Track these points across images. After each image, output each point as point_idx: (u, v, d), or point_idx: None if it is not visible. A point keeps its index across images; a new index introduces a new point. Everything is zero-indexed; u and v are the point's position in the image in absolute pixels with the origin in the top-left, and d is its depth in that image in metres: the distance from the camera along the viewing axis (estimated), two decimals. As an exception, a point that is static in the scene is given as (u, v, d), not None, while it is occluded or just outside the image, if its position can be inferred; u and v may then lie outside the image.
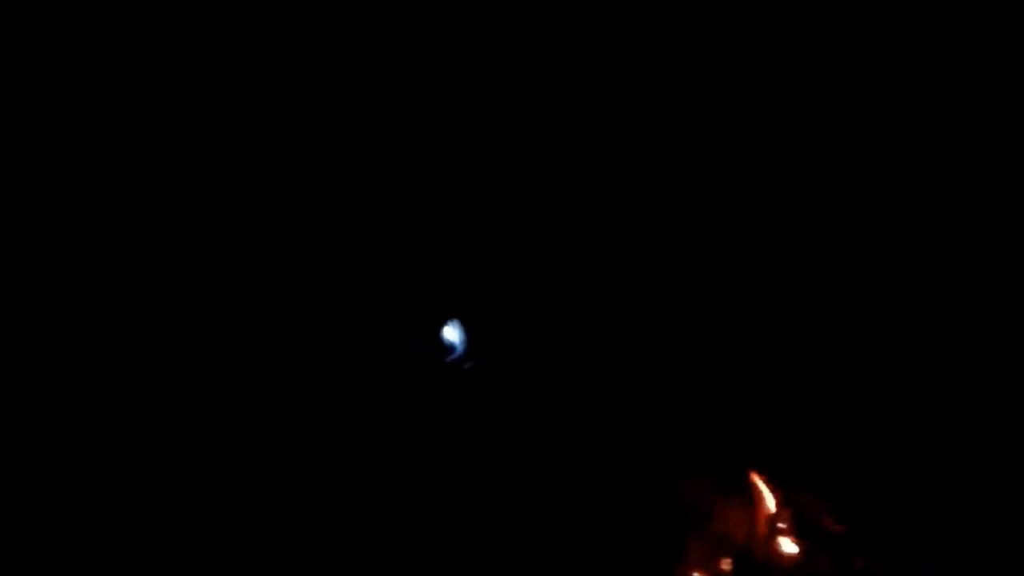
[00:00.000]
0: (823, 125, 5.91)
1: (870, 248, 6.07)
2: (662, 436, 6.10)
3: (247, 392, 6.04)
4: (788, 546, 5.84)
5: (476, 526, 5.89)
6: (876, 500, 5.84)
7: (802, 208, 6.04)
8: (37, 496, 5.73)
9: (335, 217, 6.20)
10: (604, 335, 6.27)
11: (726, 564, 5.83)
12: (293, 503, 5.86)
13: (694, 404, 6.14)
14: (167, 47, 6.08)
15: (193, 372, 6.05)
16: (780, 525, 5.85)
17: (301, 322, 6.17)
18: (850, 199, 5.98)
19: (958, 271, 5.88)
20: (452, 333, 6.17)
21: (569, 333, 6.25)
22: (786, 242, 6.11)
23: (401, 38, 6.03)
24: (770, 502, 5.85)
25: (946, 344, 5.87)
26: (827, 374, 6.02)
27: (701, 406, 6.12)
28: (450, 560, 5.81)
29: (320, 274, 6.20)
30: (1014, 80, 5.61)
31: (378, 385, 6.11)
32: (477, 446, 6.05)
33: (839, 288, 6.05)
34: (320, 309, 6.20)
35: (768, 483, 5.90)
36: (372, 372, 6.13)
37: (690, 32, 5.85)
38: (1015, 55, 5.59)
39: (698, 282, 6.17)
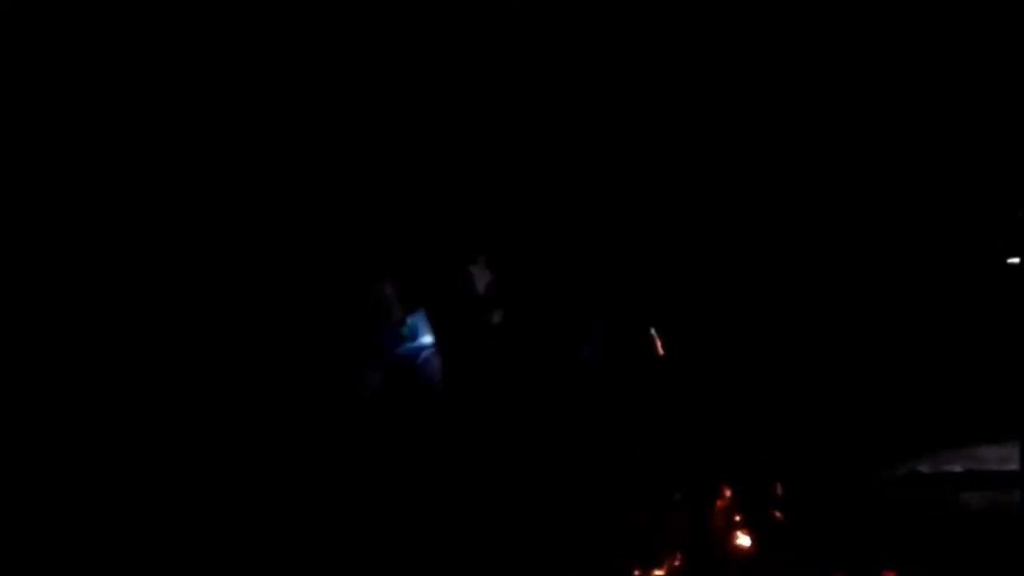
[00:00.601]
0: (823, 125, 6.29)
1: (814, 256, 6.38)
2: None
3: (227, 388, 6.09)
4: (742, 539, 5.78)
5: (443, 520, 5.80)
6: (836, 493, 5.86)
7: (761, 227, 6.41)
8: (37, 496, 5.64)
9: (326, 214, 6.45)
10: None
11: (679, 559, 5.73)
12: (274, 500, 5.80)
13: (655, 401, 6.23)
14: (167, 47, 6.42)
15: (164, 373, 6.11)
16: (735, 518, 5.82)
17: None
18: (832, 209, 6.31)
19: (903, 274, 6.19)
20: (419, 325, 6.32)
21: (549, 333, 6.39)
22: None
23: (401, 38, 6.42)
24: (726, 496, 5.86)
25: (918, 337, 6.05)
26: (791, 372, 6.18)
27: (662, 403, 6.21)
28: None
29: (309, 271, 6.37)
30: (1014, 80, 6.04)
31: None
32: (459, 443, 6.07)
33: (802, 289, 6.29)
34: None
35: (724, 477, 5.92)
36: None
37: (690, 32, 6.29)
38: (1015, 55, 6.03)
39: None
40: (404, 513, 5.77)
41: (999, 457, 5.87)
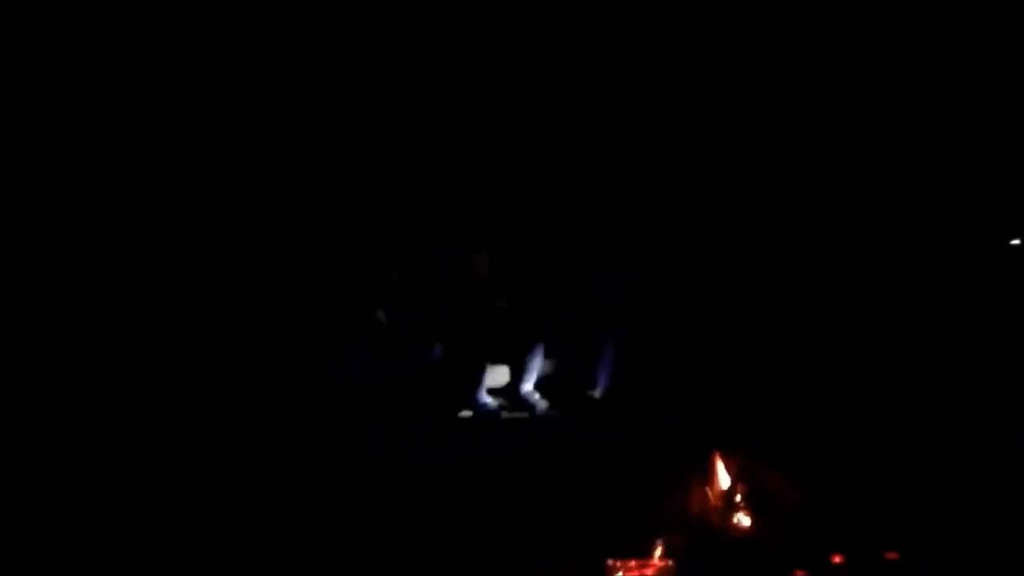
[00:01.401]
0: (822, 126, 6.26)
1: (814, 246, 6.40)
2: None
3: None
4: (743, 520, 5.80)
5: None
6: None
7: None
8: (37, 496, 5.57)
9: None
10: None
11: (680, 540, 5.74)
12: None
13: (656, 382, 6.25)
14: (167, 47, 6.28)
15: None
16: (736, 499, 5.83)
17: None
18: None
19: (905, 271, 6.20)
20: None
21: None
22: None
23: (402, 38, 6.32)
24: (725, 477, 5.86)
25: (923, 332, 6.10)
26: (796, 355, 6.20)
27: (663, 383, 6.23)
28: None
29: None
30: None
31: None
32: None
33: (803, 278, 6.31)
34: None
35: (725, 457, 5.93)
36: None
37: (689, 32, 6.23)
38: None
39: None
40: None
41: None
